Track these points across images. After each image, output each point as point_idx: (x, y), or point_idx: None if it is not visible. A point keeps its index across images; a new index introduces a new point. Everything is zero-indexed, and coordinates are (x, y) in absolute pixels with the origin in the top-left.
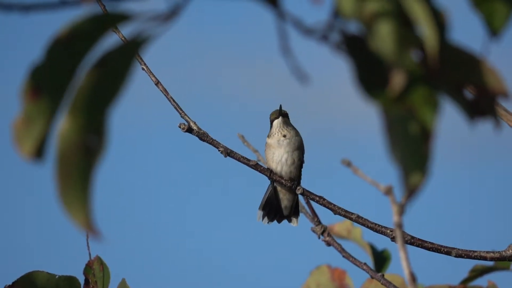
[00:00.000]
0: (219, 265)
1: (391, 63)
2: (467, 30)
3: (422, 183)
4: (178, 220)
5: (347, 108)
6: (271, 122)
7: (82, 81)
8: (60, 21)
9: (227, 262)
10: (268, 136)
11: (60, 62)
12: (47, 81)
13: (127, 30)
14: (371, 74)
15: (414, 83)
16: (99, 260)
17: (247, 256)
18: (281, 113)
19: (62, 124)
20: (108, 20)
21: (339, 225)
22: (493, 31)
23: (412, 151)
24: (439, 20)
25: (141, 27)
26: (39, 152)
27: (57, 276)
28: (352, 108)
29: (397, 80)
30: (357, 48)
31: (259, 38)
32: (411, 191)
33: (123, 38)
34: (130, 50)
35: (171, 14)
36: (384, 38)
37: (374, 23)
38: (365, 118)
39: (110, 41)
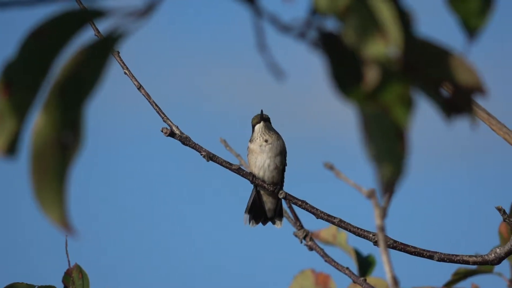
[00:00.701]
0: (201, 269)
1: (365, 59)
2: (449, 30)
3: (397, 180)
4: (159, 223)
5: (328, 112)
6: (253, 126)
7: (57, 76)
8: (36, 17)
9: (209, 266)
10: (250, 141)
11: (34, 58)
12: (20, 76)
13: (103, 26)
14: (345, 72)
15: (388, 80)
16: (78, 268)
17: (229, 261)
18: (263, 118)
19: (37, 120)
20: (84, 16)
21: (325, 230)
22: (470, 31)
23: (387, 148)
24: (405, 17)
25: (117, 22)
26: (12, 149)
27: (36, 287)
28: (333, 112)
29: (371, 76)
30: (332, 45)
31: (242, 43)
32: (386, 189)
33: (97, 34)
34: (106, 46)
35: (147, 10)
36: (357, 32)
37: (349, 18)
38: (346, 122)
39: (86, 36)
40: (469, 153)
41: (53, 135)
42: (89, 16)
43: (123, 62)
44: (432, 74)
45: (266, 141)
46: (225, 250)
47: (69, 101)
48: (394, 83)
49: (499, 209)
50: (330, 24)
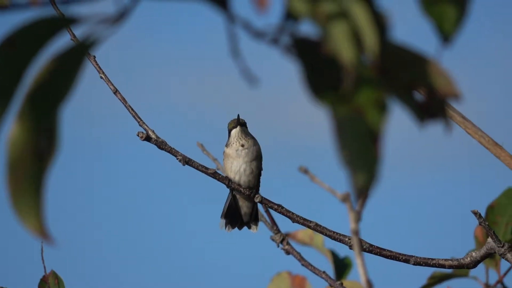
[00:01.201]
0: (177, 273)
1: (342, 63)
2: (424, 34)
3: (371, 185)
4: (135, 228)
5: (303, 116)
6: (229, 131)
7: (30, 84)
8: (8, 24)
9: (185, 271)
10: (226, 146)
11: (7, 66)
12: None
13: (76, 32)
14: (319, 76)
15: (362, 84)
16: (54, 274)
17: (206, 265)
18: (239, 122)
19: (12, 128)
20: (56, 23)
21: (302, 232)
22: (445, 36)
23: (360, 153)
24: (380, 22)
25: (90, 29)
26: None
27: None
28: (308, 116)
29: (349, 80)
30: (305, 50)
31: (220, 48)
32: (360, 194)
33: (73, 39)
34: (78, 53)
35: (120, 17)
36: (336, 37)
37: (327, 24)
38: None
39: (59, 43)
40: (444, 157)
41: (28, 143)
42: (61, 23)
43: (99, 66)
44: (406, 78)
45: (242, 145)
46: (201, 254)
47: (43, 108)
48: (369, 87)
49: (475, 213)
50: (304, 29)
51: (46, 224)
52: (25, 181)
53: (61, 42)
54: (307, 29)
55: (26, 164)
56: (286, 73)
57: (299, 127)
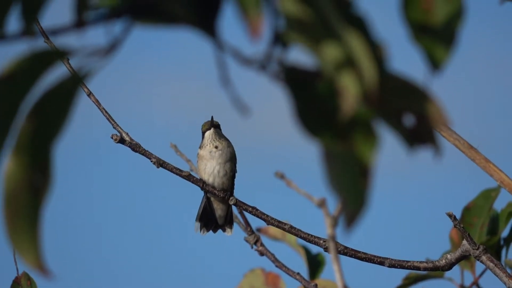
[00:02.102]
0: (152, 274)
1: (339, 90)
2: (414, 60)
3: (361, 215)
4: (111, 231)
5: (278, 122)
6: (203, 133)
7: (25, 119)
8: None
9: (161, 271)
10: (200, 147)
11: (2, 101)
12: None
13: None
14: (311, 108)
15: (354, 118)
16: (26, 275)
17: (180, 266)
18: (213, 124)
19: (7, 163)
20: (48, 57)
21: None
22: (435, 64)
23: (350, 185)
24: (377, 53)
25: (82, 62)
26: None
27: None
28: (283, 122)
29: (347, 106)
30: (296, 79)
31: (195, 54)
32: (350, 221)
33: (69, 68)
34: (71, 87)
35: (110, 48)
36: (332, 65)
37: (323, 50)
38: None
39: (52, 76)
40: (419, 159)
41: (24, 178)
42: (54, 57)
43: (73, 69)
44: (396, 105)
45: (216, 147)
46: (175, 257)
47: (38, 143)
48: (360, 120)
49: (450, 215)
50: (294, 56)
51: (44, 258)
52: (21, 215)
53: (54, 75)
54: (295, 56)
55: (22, 199)
56: (261, 82)
57: (274, 133)
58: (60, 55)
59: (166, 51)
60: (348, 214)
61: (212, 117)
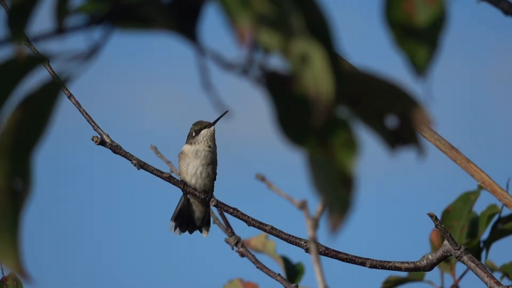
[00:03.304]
0: (131, 277)
1: (310, 95)
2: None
3: (346, 219)
4: (90, 233)
5: (257, 124)
6: (199, 130)
7: (5, 125)
8: None
9: (140, 274)
10: (190, 144)
11: None
12: None
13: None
14: (291, 114)
15: (334, 125)
16: (12, 276)
17: (160, 268)
18: (214, 124)
19: None
20: (28, 63)
21: (255, 238)
22: (417, 69)
23: (334, 192)
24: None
25: (62, 67)
26: None
27: None
28: (261, 124)
29: (317, 112)
30: (277, 85)
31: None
32: (335, 226)
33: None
34: (52, 92)
35: (90, 54)
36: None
37: (289, 55)
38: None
39: (32, 82)
40: (399, 159)
41: (4, 183)
42: (34, 63)
43: (53, 71)
44: (378, 107)
45: (209, 147)
46: (156, 258)
47: (18, 149)
48: (340, 127)
49: (431, 216)
50: (275, 62)
51: (24, 262)
52: (1, 220)
53: (34, 80)
54: (277, 62)
55: (3, 204)
56: (240, 84)
57: (255, 136)
58: (39, 60)
59: (148, 55)
60: (333, 219)
61: (220, 116)
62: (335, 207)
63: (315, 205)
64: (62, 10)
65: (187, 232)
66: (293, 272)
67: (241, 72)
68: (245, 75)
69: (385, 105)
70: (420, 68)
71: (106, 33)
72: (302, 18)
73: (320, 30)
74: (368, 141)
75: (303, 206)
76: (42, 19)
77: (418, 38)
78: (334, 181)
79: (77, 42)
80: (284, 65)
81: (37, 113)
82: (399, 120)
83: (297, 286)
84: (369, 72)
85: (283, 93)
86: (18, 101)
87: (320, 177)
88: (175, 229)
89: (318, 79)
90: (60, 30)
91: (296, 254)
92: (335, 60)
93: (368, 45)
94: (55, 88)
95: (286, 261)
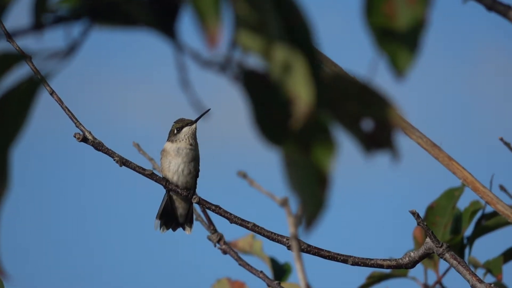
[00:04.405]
0: (115, 277)
1: (290, 97)
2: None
3: (319, 216)
4: (72, 230)
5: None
6: (181, 128)
7: None
8: None
9: (124, 273)
10: (172, 141)
11: None
12: None
13: (26, 68)
14: (269, 114)
15: (312, 126)
16: None
17: (144, 266)
18: (196, 121)
19: None
20: (4, 61)
21: (242, 240)
22: (398, 71)
23: (309, 190)
24: (316, 69)
25: (40, 64)
26: None
27: None
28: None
29: (298, 113)
30: (256, 84)
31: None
32: (309, 222)
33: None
34: (29, 90)
35: (69, 51)
36: (280, 70)
37: (270, 56)
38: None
39: (9, 79)
40: (382, 157)
41: None
42: (11, 60)
43: (35, 68)
44: (354, 110)
45: (191, 145)
46: (139, 255)
47: None
48: (317, 127)
49: (413, 213)
50: (253, 61)
51: (1, 260)
52: None
53: (12, 78)
54: (255, 61)
55: None
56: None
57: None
58: (16, 58)
59: (130, 53)
60: (307, 216)
61: (202, 115)
62: (310, 205)
63: (296, 202)
64: (40, 5)
65: (170, 229)
66: (280, 272)
67: (219, 70)
68: (223, 73)
69: (360, 109)
70: (400, 69)
71: (85, 30)
72: (282, 23)
73: (301, 35)
74: (350, 140)
75: (284, 203)
76: (19, 15)
77: (399, 39)
78: (310, 180)
79: (55, 39)
80: (262, 64)
81: (14, 110)
82: (375, 123)
83: (279, 283)
84: (345, 76)
85: (261, 91)
86: None
87: (296, 175)
88: (160, 227)
89: (299, 86)
90: (38, 26)
91: (284, 254)
92: (316, 66)
93: (349, 46)
94: (32, 85)
95: (273, 261)
